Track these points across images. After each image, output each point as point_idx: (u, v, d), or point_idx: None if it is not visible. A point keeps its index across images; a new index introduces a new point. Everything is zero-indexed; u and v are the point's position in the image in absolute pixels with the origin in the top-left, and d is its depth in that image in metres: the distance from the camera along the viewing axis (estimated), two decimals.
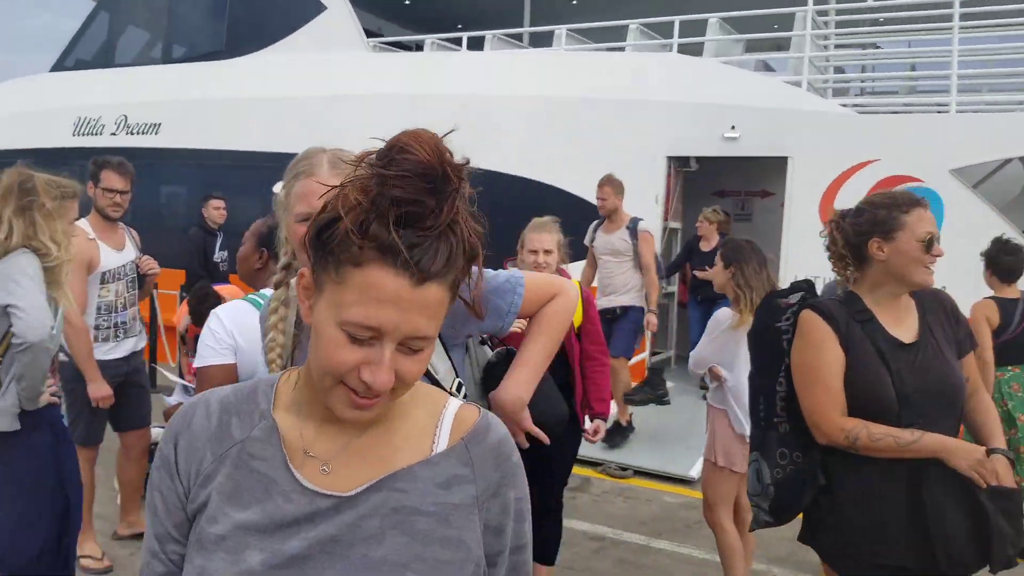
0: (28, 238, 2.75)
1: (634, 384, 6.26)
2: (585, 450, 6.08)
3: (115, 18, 12.79)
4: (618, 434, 6.13)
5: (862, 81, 8.96)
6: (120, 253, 4.14)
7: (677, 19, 8.44)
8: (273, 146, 10.09)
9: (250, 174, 10.12)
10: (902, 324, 2.35)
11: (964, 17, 7.28)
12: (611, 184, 6.16)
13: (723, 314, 3.60)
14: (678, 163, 8.10)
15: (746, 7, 8.31)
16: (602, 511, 4.89)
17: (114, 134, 11.76)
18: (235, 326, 2.24)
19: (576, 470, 5.70)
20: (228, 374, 2.23)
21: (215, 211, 6.97)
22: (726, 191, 9.62)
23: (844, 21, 8.64)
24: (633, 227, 6.11)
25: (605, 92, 8.32)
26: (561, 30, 9.24)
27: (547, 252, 3.53)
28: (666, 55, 8.54)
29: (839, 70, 9.59)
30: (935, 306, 2.44)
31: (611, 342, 5.98)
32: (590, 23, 9.30)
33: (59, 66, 13.17)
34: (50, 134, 12.07)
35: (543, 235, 3.56)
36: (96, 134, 11.91)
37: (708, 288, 5.57)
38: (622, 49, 8.99)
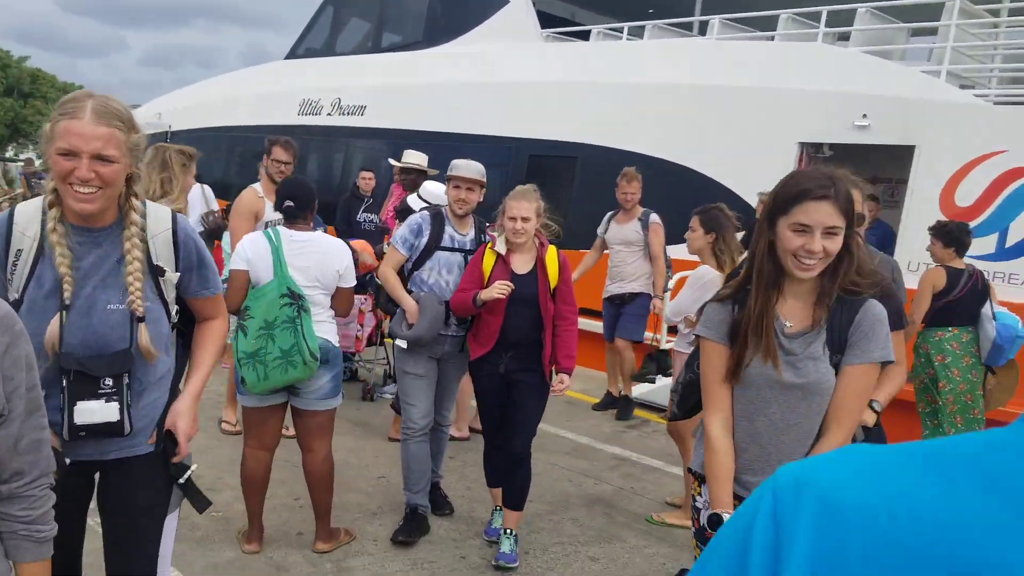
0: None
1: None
2: (657, 398, 6.88)
3: (338, 12, 14.87)
4: (625, 408, 6.74)
5: (990, 71, 8.67)
6: None
7: (825, 9, 8.77)
8: (458, 127, 11.53)
9: (436, 151, 11.65)
10: None
11: None
12: (638, 179, 6.61)
13: (704, 270, 4.31)
14: (811, 149, 8.46)
15: None
16: (642, 443, 5.69)
17: (329, 114, 13.78)
18: (251, 247, 3.65)
19: (638, 412, 6.52)
20: (243, 275, 3.77)
21: (364, 181, 8.34)
22: (878, 178, 9.72)
23: (996, 9, 8.51)
24: (645, 219, 6.57)
25: (745, 80, 8.86)
26: (715, 20, 9.83)
27: (524, 219, 3.94)
28: (807, 44, 8.89)
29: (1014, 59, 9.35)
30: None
31: (619, 326, 6.70)
32: (745, 13, 9.79)
33: (292, 54, 15.53)
34: (281, 113, 14.36)
35: (522, 203, 3.96)
36: (315, 114, 14.02)
37: None
38: (772, 38, 9.41)
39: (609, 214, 6.88)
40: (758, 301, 2.11)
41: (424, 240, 4.31)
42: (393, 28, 13.99)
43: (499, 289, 3.89)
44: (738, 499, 2.17)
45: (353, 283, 4.08)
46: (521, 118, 10.80)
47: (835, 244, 2.06)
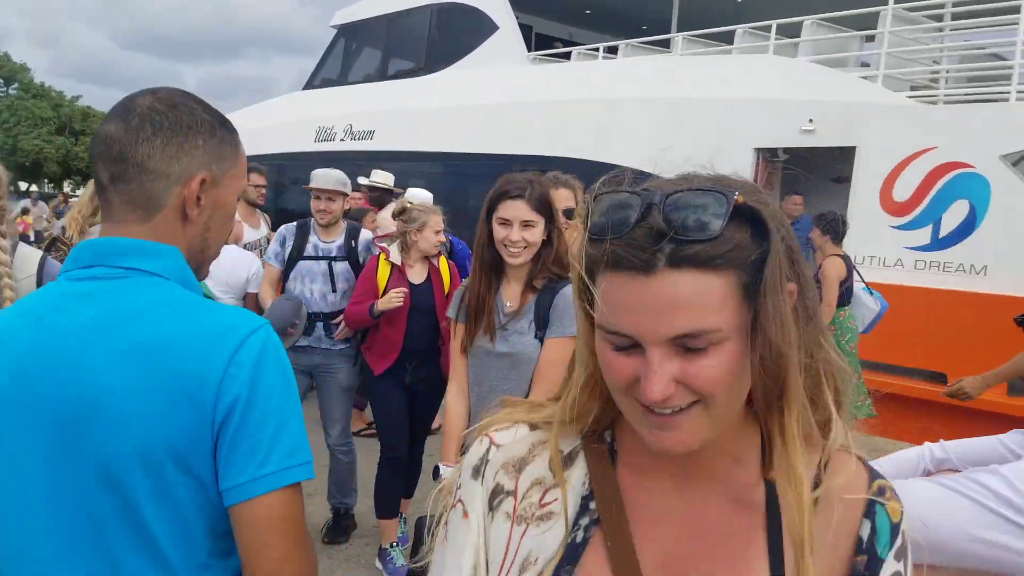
0: None
1: None
2: None
3: (349, 43, 15.81)
4: None
5: (934, 72, 9.08)
6: (256, 230, 6.26)
7: (774, 23, 9.36)
8: (455, 147, 12.32)
9: (437, 169, 12.48)
10: None
11: None
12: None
13: None
14: (767, 154, 9.04)
15: (841, 8, 9.04)
16: None
17: (342, 140, 14.69)
18: None
19: None
20: None
21: (351, 200, 9.08)
22: (842, 178, 10.22)
23: (933, 16, 8.93)
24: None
25: (706, 92, 9.49)
26: (678, 37, 10.48)
27: (444, 231, 4.36)
28: (759, 56, 9.48)
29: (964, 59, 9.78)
30: None
31: None
32: (707, 29, 10.41)
33: (309, 85, 16.51)
34: (300, 141, 15.32)
35: (440, 217, 4.27)
36: (330, 140, 14.94)
37: None
38: (729, 52, 10.02)
39: None
40: (479, 285, 2.67)
41: (287, 251, 4.51)
42: (398, 56, 14.86)
43: (395, 297, 4.04)
44: None
45: (258, 290, 4.57)
46: (510, 136, 11.55)
47: (533, 235, 2.59)
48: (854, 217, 8.10)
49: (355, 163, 14.39)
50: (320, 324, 4.45)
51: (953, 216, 7.48)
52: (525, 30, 14.61)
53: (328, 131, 15.00)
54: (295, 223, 4.67)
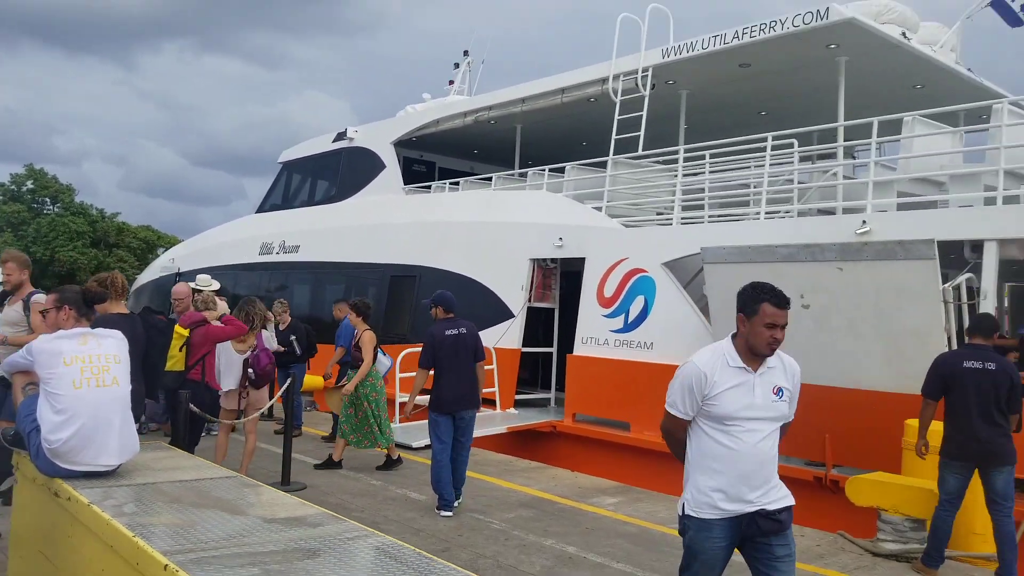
0: None
1: None
2: None
3: (289, 176, 18.65)
4: None
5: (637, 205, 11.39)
6: None
7: (547, 168, 11.98)
8: (349, 258, 14.89)
9: (335, 275, 15.06)
10: None
11: (686, 160, 10.08)
12: (15, 260, 6.19)
13: None
14: (540, 262, 11.46)
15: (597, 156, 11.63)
16: None
17: (277, 253, 17.31)
18: None
19: None
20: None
21: None
22: None
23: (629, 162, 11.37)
24: (27, 300, 6.11)
25: (502, 218, 12.04)
26: (494, 175, 13.12)
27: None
28: (537, 192, 12.04)
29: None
30: None
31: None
32: (517, 170, 13.03)
33: (260, 209, 19.30)
34: (248, 254, 17.99)
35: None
36: (268, 254, 17.58)
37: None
38: (524, 188, 12.59)
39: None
40: None
41: None
42: (321, 187, 17.63)
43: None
44: None
45: None
46: (386, 250, 14.12)
47: None
48: (584, 309, 10.47)
49: (285, 271, 17.04)
50: None
51: (636, 307, 9.82)
52: (429, 166, 17.45)
53: (268, 246, 17.64)
54: None
